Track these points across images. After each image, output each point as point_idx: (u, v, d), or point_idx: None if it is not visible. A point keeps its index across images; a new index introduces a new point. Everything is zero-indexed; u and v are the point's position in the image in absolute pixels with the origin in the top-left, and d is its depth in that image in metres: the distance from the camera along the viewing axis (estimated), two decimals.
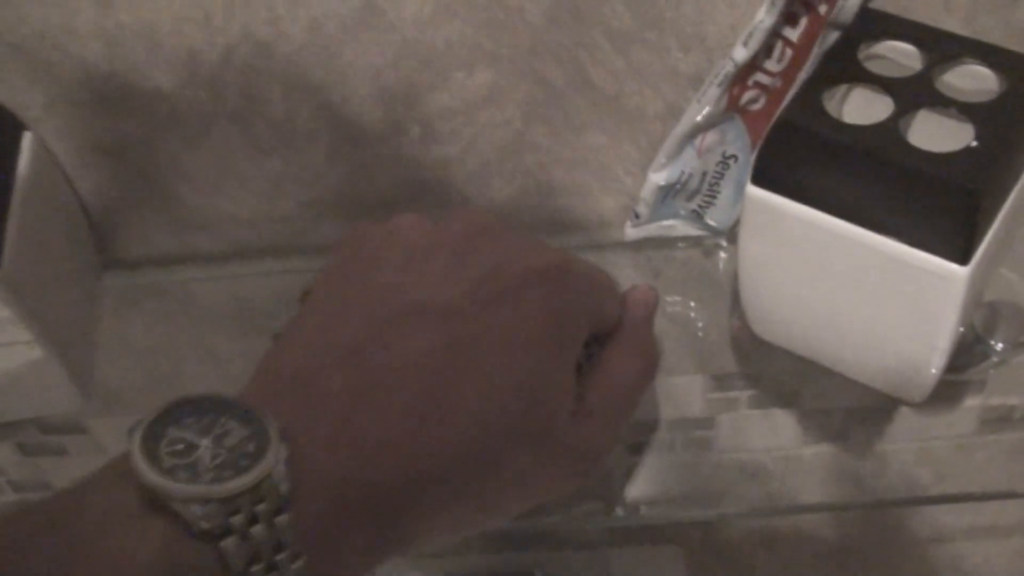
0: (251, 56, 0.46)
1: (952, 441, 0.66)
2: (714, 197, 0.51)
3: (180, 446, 0.28)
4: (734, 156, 0.50)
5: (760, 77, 0.46)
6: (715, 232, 0.53)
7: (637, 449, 0.65)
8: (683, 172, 0.50)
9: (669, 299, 0.58)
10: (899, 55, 0.43)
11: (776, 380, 0.62)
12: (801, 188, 0.40)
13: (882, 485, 0.68)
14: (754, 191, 0.41)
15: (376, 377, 0.31)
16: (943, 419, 0.65)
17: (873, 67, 0.42)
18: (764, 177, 0.41)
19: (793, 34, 0.45)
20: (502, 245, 0.35)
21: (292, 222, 0.53)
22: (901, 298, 0.41)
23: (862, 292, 0.42)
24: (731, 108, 0.47)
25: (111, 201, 0.52)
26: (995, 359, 0.52)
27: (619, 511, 0.67)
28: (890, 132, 0.39)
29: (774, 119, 0.41)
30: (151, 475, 0.27)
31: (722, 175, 0.50)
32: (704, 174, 0.50)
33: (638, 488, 0.67)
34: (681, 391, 0.62)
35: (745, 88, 0.47)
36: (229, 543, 0.27)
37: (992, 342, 0.50)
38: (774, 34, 0.44)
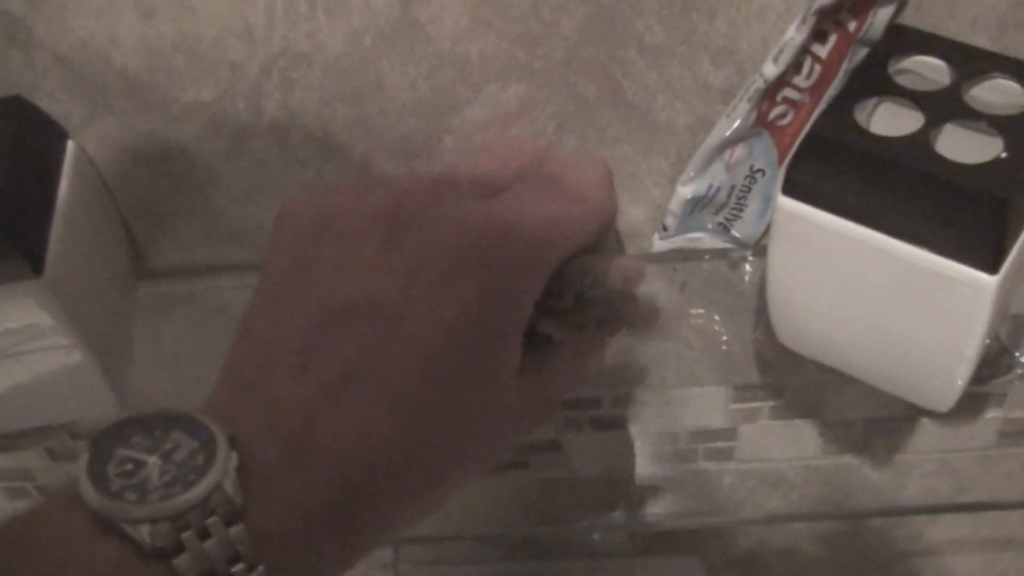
0: (290, 68, 0.47)
1: (972, 453, 0.67)
2: (741, 211, 0.52)
3: (129, 466, 0.28)
4: (761, 170, 0.50)
5: (789, 93, 0.47)
6: (741, 245, 0.54)
7: (659, 459, 0.66)
8: (711, 185, 0.51)
9: (694, 311, 0.59)
10: (928, 70, 0.43)
11: (798, 391, 0.63)
12: (831, 199, 0.41)
13: (902, 496, 0.69)
14: (785, 202, 0.42)
15: (324, 379, 0.31)
16: (963, 431, 0.65)
17: (903, 81, 0.43)
18: (795, 188, 0.42)
19: (822, 51, 0.46)
20: (435, 216, 0.33)
21: None
22: (930, 308, 0.41)
23: (891, 302, 0.42)
24: (760, 123, 0.48)
25: (148, 210, 0.52)
26: (1020, 371, 0.52)
27: (640, 520, 0.68)
28: (920, 144, 0.40)
29: (805, 131, 0.42)
30: (97, 499, 0.27)
31: (749, 189, 0.51)
32: (732, 188, 0.51)
33: (660, 497, 0.68)
34: (704, 402, 0.63)
35: (774, 103, 0.47)
36: (182, 560, 0.27)
37: (1017, 354, 0.51)
38: (803, 50, 0.45)
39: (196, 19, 0.45)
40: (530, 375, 0.35)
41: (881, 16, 0.44)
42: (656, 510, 0.67)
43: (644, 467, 0.66)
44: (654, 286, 0.56)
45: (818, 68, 0.46)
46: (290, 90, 0.48)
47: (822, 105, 0.47)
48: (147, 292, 0.55)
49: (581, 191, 0.38)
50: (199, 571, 0.27)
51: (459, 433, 0.33)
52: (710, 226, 0.53)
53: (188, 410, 0.30)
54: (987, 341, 0.44)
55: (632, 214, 0.54)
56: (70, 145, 0.49)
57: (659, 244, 0.54)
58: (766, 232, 0.52)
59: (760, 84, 0.45)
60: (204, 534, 0.27)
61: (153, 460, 0.28)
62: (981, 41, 0.45)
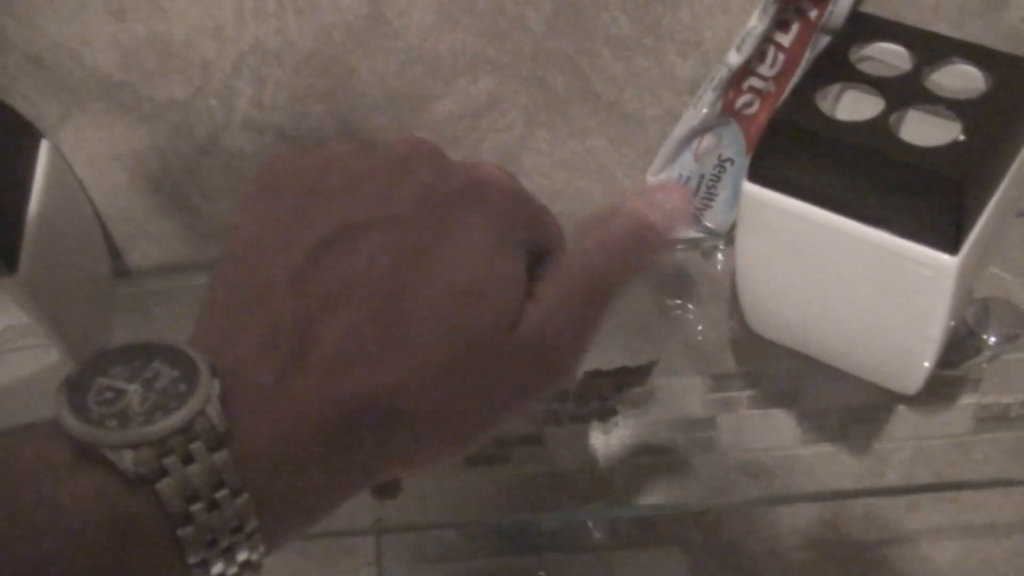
0: (260, 65, 0.47)
1: (949, 439, 0.67)
2: (712, 200, 0.53)
3: (109, 395, 0.27)
4: (730, 159, 0.51)
5: (754, 81, 0.48)
6: (713, 234, 0.54)
7: (639, 450, 0.67)
8: (681, 175, 0.51)
9: (669, 301, 0.59)
10: (889, 56, 0.44)
11: (775, 380, 0.63)
12: (795, 184, 0.42)
13: (881, 484, 0.69)
14: (750, 188, 0.43)
15: (324, 298, 0.30)
16: (940, 418, 0.66)
17: (864, 68, 0.43)
18: (760, 174, 0.42)
19: (785, 39, 0.46)
20: (439, 164, 0.33)
21: None
22: (894, 289, 0.42)
23: (856, 285, 0.43)
24: (727, 112, 0.48)
25: (125, 209, 0.53)
26: (987, 353, 0.53)
27: (622, 510, 0.68)
28: (880, 128, 0.40)
29: (768, 118, 0.42)
30: (78, 426, 0.26)
31: (719, 178, 0.52)
32: (702, 177, 0.52)
33: (640, 488, 0.68)
34: (682, 392, 0.64)
35: (740, 92, 0.48)
36: (164, 484, 0.26)
37: (984, 336, 0.51)
38: (767, 39, 0.46)
39: (166, 18, 0.45)
40: (528, 333, 0.33)
41: (842, 4, 0.45)
42: (637, 501, 0.67)
43: (624, 459, 0.66)
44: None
45: (782, 57, 0.47)
46: (262, 87, 0.48)
47: (788, 93, 0.47)
48: (125, 290, 0.55)
49: None
50: (182, 496, 0.26)
51: (465, 364, 0.31)
52: None
53: (169, 341, 0.29)
54: (952, 323, 0.45)
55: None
56: (44, 145, 0.49)
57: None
58: None
59: (724, 73, 0.46)
60: (187, 459, 0.27)
61: (134, 388, 0.27)
62: (942, 28, 0.46)
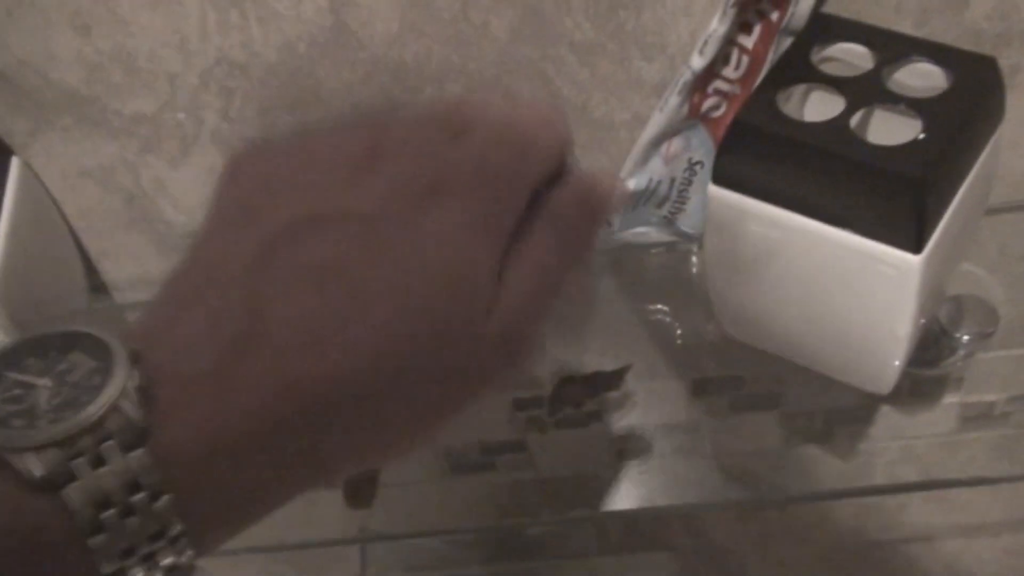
0: (226, 77, 0.47)
1: (935, 439, 0.67)
2: (684, 204, 0.53)
3: (17, 391, 0.25)
4: (700, 162, 0.51)
5: (719, 84, 0.48)
6: (688, 238, 0.54)
7: (624, 456, 0.67)
8: (651, 179, 0.51)
9: (645, 306, 0.59)
10: (851, 56, 0.44)
11: (758, 383, 0.63)
12: (759, 186, 0.42)
13: (869, 484, 0.69)
14: (715, 191, 0.43)
15: (279, 285, 0.28)
16: (924, 417, 0.66)
17: (826, 68, 0.43)
18: (723, 177, 0.42)
19: (748, 41, 0.46)
20: (411, 148, 0.31)
21: None
22: (861, 290, 0.42)
23: (824, 286, 0.43)
24: (693, 115, 0.48)
25: (98, 223, 0.53)
26: (962, 352, 0.53)
27: (608, 516, 0.68)
28: (841, 128, 0.40)
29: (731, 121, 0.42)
30: None
31: (690, 182, 0.52)
32: (672, 180, 0.51)
33: (626, 492, 0.68)
34: (665, 397, 0.64)
35: (706, 96, 0.48)
36: (71, 490, 0.24)
37: (958, 335, 0.51)
38: (730, 42, 0.46)
39: (130, 32, 0.46)
40: (497, 325, 0.32)
41: (803, 5, 0.45)
42: (623, 506, 0.67)
43: (610, 464, 0.66)
44: (603, 283, 0.57)
45: (746, 59, 0.47)
46: (229, 100, 0.48)
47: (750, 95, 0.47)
48: (100, 305, 0.55)
49: (537, 124, 0.37)
50: (92, 502, 0.24)
51: (427, 355, 0.29)
52: (655, 220, 0.54)
53: (89, 328, 0.26)
54: (922, 321, 0.45)
55: None
56: (15, 161, 0.49)
57: (604, 240, 0.54)
58: None
59: (688, 77, 0.46)
60: (98, 461, 0.24)
61: (44, 382, 0.25)
62: (905, 27, 0.46)
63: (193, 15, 0.45)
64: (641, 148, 0.49)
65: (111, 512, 0.24)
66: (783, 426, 0.66)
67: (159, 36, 0.46)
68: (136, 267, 0.55)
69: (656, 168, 0.51)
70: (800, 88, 0.45)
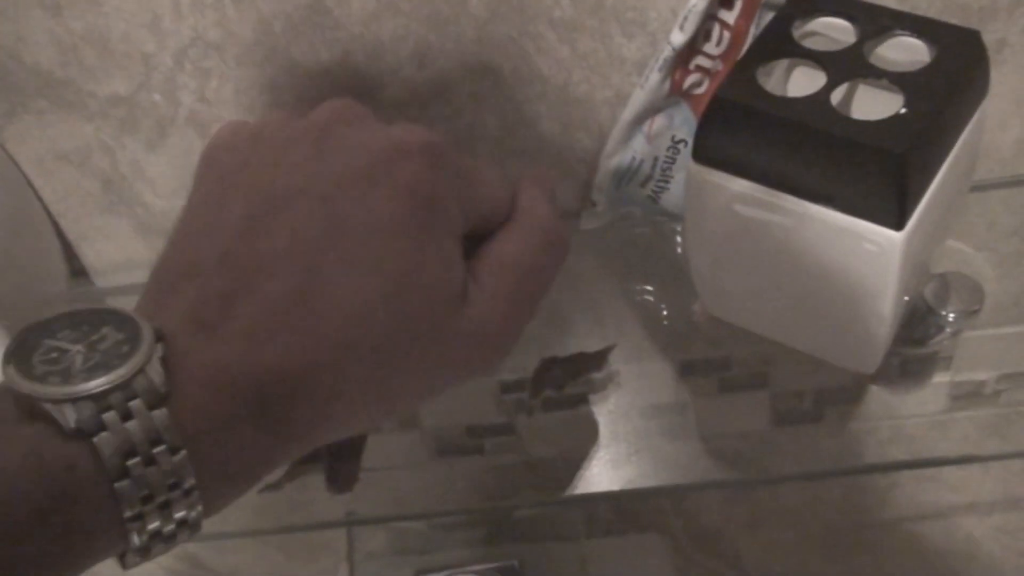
0: (202, 58, 0.47)
1: (925, 419, 0.67)
2: (667, 182, 0.52)
3: (54, 354, 0.28)
4: (683, 140, 0.50)
5: (701, 60, 0.47)
6: (672, 217, 0.54)
7: (613, 437, 0.66)
8: (634, 157, 0.51)
9: (634, 287, 0.59)
10: (833, 31, 0.43)
11: (746, 363, 0.63)
12: (739, 162, 0.41)
13: (859, 464, 0.69)
14: (695, 168, 0.42)
15: (248, 273, 0.31)
16: (914, 397, 0.65)
17: (808, 43, 0.43)
18: (704, 154, 0.42)
19: (730, 17, 0.46)
20: (369, 127, 0.34)
21: None
22: (843, 267, 0.42)
23: (806, 263, 0.43)
24: (675, 92, 0.48)
25: (76, 208, 0.52)
26: (949, 330, 0.52)
27: (596, 496, 0.68)
28: (821, 103, 0.40)
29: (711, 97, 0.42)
30: (19, 380, 0.27)
31: (674, 160, 0.51)
32: (655, 159, 0.51)
33: (615, 475, 0.68)
34: (652, 379, 0.63)
35: (688, 72, 0.47)
36: (103, 438, 0.27)
37: (944, 313, 0.51)
38: (711, 17, 0.45)
39: (102, 12, 0.45)
40: (473, 316, 0.35)
41: None
42: (612, 488, 0.67)
43: (598, 446, 0.66)
44: (588, 262, 0.56)
45: (727, 35, 0.46)
46: (205, 80, 0.48)
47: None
48: (81, 290, 0.55)
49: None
50: (120, 450, 0.27)
51: (392, 334, 0.32)
52: (639, 199, 0.53)
53: (118, 308, 0.30)
54: (906, 299, 0.44)
55: (559, 191, 0.54)
56: None
57: (589, 220, 0.54)
58: None
59: (669, 53, 0.45)
60: (126, 416, 0.28)
61: (78, 348, 0.28)
62: (889, 1, 0.45)
63: None
64: (623, 126, 0.49)
65: (135, 460, 0.27)
66: (772, 406, 0.65)
67: (132, 16, 0.45)
68: (116, 251, 0.54)
69: (639, 146, 0.50)
70: (782, 63, 0.44)
